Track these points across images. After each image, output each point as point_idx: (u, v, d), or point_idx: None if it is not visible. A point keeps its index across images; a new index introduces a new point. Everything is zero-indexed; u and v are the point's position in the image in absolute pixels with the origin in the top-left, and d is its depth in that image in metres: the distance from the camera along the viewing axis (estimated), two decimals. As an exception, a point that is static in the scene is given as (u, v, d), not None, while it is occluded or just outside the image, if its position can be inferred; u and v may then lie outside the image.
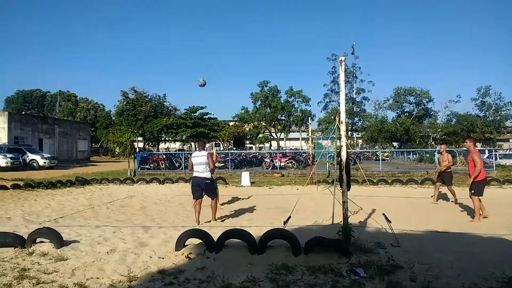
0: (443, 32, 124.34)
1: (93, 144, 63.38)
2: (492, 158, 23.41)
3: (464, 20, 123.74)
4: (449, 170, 10.89)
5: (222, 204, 10.52)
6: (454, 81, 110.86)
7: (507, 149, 41.21)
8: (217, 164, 24.51)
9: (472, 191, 8.00)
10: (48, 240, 5.63)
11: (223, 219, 8.67)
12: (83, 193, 13.52)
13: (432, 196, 11.13)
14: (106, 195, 13.16)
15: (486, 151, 28.64)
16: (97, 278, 4.40)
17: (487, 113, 49.57)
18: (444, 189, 11.35)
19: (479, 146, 42.57)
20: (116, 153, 23.19)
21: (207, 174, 7.81)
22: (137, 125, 49.53)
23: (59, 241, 5.57)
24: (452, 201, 10.76)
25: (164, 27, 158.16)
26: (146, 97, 52.13)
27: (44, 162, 28.71)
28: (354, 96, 55.45)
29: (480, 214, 8.07)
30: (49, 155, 30.86)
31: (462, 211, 9.57)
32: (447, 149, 12.77)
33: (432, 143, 49.63)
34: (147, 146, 58.10)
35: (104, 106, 73.06)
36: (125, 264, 4.92)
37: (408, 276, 4.29)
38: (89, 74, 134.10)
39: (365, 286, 4.07)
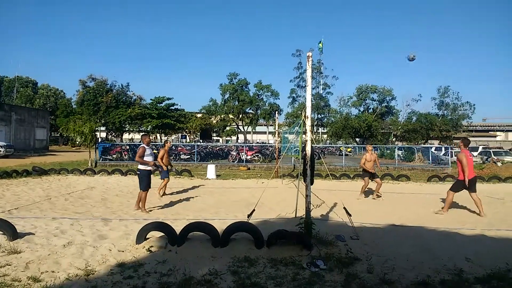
0: (407, 33, 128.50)
1: (53, 132, 60.76)
2: (448, 155, 24.54)
3: (427, 21, 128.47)
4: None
5: (169, 192, 11.19)
6: (416, 81, 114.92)
7: (462, 147, 43.25)
8: (182, 156, 24.29)
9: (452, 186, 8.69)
10: (1, 232, 5.38)
11: (170, 207, 8.62)
12: (40, 183, 12.95)
13: (360, 192, 11.46)
14: (64, 186, 12.68)
15: (443, 148, 30.00)
16: (52, 271, 4.26)
17: (445, 112, 51.82)
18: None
19: (436, 143, 44.58)
20: (77, 142, 22.30)
21: (139, 166, 8.49)
22: (99, 114, 47.97)
23: (12, 233, 5.34)
24: (375, 195, 11.18)
25: (128, 14, 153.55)
26: (105, 84, 50.46)
27: (-1, 151, 27.25)
28: (321, 92, 56.42)
29: (443, 208, 8.76)
30: (5, 143, 29.27)
31: (420, 205, 9.97)
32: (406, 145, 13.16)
33: (393, 139, 51.41)
34: (110, 136, 56.44)
35: (64, 93, 69.89)
36: (83, 257, 4.79)
37: (366, 268, 4.45)
38: (49, 59, 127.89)
39: (325, 278, 4.17)
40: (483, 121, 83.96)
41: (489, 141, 61.61)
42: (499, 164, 23.31)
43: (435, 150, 28.67)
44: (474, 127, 72.67)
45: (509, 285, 3.95)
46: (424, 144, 44.10)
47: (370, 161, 11.03)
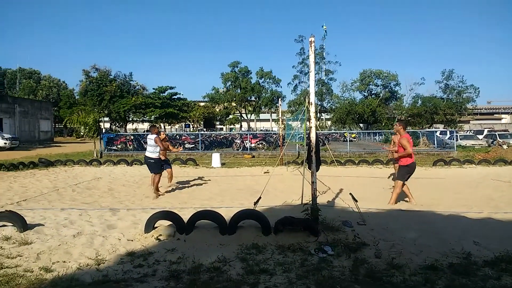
0: (410, 18, 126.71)
1: (57, 124, 60.98)
2: (453, 139, 24.42)
3: (430, 6, 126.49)
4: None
5: (175, 181, 11.23)
6: (419, 64, 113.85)
7: (467, 131, 43.00)
8: (187, 145, 24.33)
9: (396, 175, 8.15)
10: (11, 224, 5.43)
11: (182, 196, 8.67)
12: (47, 175, 13.06)
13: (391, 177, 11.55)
14: (71, 177, 12.77)
15: (448, 132, 29.86)
16: (64, 262, 4.31)
17: (450, 95, 51.23)
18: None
19: (441, 127, 44.32)
20: (81, 134, 22.45)
21: (151, 155, 9.00)
22: (103, 105, 48.04)
23: (22, 224, 5.38)
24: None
25: (129, 2, 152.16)
26: (109, 75, 50.43)
27: (5, 143, 27.44)
28: (324, 78, 55.95)
29: (407, 200, 8.00)
30: (10, 136, 29.50)
31: (426, 190, 9.97)
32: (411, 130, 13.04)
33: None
34: (114, 126, 56.56)
35: (66, 84, 69.71)
36: (93, 247, 4.84)
37: (373, 253, 4.47)
38: (50, 50, 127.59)
39: (333, 263, 4.20)
40: (488, 104, 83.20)
41: (495, 124, 61.07)
42: (504, 146, 23.18)
43: (440, 134, 28.55)
44: (479, 110, 72.07)
45: (517, 267, 3.96)
46: (428, 128, 43.83)
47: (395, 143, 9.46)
